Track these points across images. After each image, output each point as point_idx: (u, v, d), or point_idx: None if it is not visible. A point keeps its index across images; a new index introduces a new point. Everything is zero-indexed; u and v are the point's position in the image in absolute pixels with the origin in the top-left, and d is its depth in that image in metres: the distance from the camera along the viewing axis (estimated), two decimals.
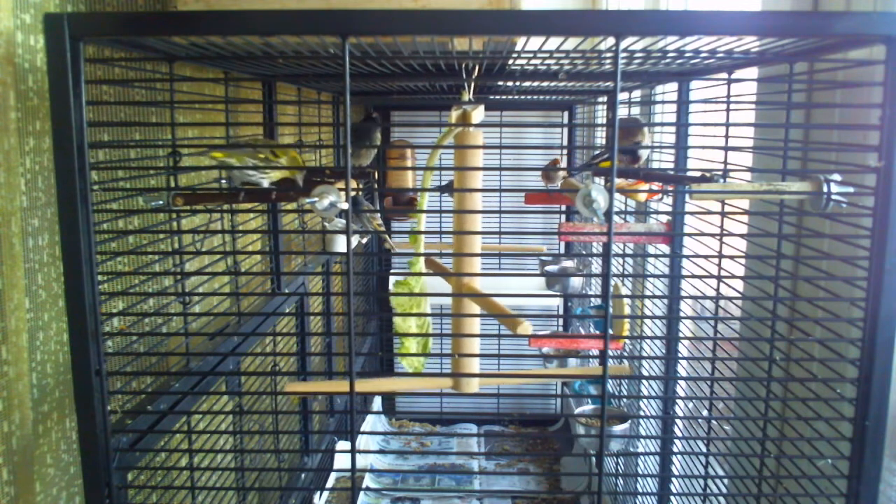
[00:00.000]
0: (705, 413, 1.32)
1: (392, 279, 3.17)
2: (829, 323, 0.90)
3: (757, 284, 1.11)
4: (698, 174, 1.01)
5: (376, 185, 2.71)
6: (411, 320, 1.15)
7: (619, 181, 1.11)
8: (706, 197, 0.98)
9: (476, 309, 1.04)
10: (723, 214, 1.11)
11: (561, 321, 3.08)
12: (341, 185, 0.81)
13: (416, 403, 3.48)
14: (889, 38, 0.74)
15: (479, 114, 1.04)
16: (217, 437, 1.43)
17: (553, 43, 1.01)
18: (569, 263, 2.33)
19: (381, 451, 3.04)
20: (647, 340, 1.96)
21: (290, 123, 1.97)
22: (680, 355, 1.59)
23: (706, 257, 1.20)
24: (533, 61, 1.24)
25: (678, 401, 1.66)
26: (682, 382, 1.60)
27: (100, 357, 0.83)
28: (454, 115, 1.02)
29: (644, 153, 1.37)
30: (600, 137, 2.81)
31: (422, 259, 1.14)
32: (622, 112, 2.00)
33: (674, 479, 1.60)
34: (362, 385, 1.06)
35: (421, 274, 1.14)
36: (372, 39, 0.97)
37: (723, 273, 1.14)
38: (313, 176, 1.11)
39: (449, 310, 1.10)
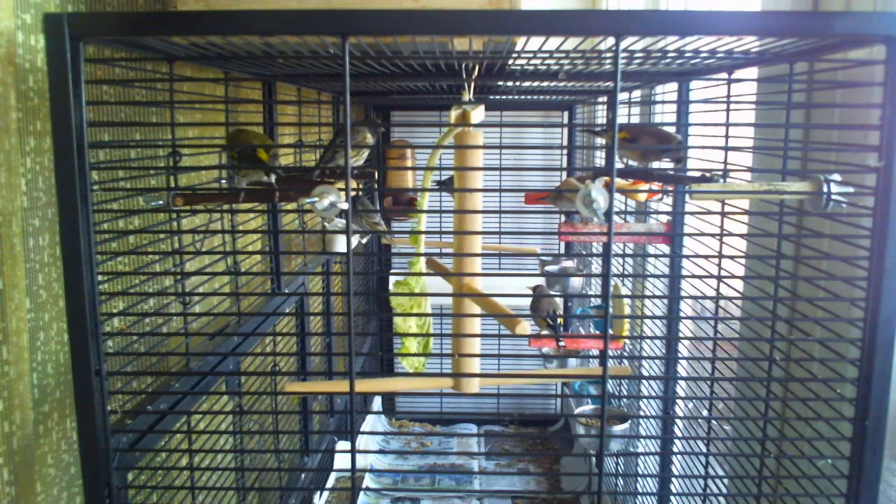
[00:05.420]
0: (705, 413, 1.32)
1: (392, 279, 3.17)
2: (829, 323, 0.90)
3: (757, 284, 1.11)
4: (698, 174, 1.02)
5: (376, 186, 2.71)
6: (411, 320, 1.15)
7: (619, 181, 1.11)
8: (706, 197, 0.98)
9: (476, 309, 1.04)
10: (723, 214, 1.11)
11: (561, 321, 3.07)
12: (341, 184, 0.81)
13: (416, 403, 3.48)
14: (889, 38, 0.74)
15: (479, 113, 1.04)
16: (217, 437, 1.43)
17: (553, 43, 1.01)
18: (569, 263, 2.33)
19: (381, 451, 3.04)
20: (647, 340, 1.96)
21: (290, 123, 1.97)
22: (680, 355, 1.59)
23: (706, 257, 1.20)
24: (533, 61, 1.24)
25: (678, 401, 1.66)
26: (682, 382, 1.60)
27: (100, 357, 0.83)
28: (454, 114, 1.02)
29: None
30: (599, 140, 2.80)
31: (422, 259, 1.14)
32: (622, 112, 2.01)
33: (674, 480, 1.60)
34: (363, 385, 1.06)
35: (421, 274, 1.14)
36: (372, 39, 0.97)
37: (723, 273, 1.14)
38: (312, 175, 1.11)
39: (449, 310, 1.10)
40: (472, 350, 1.05)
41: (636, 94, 2.02)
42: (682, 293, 1.51)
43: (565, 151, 3.18)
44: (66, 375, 1.00)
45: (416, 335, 1.14)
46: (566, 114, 3.12)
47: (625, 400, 2.04)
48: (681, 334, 1.59)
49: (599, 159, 2.77)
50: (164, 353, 1.19)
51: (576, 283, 2.18)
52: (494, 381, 1.24)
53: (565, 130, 3.18)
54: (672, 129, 1.64)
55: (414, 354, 1.15)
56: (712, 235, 1.16)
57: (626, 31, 0.74)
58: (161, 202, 1.01)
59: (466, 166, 1.02)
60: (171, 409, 1.13)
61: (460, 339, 1.05)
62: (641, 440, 1.82)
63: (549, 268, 2.30)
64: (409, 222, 3.04)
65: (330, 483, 2.60)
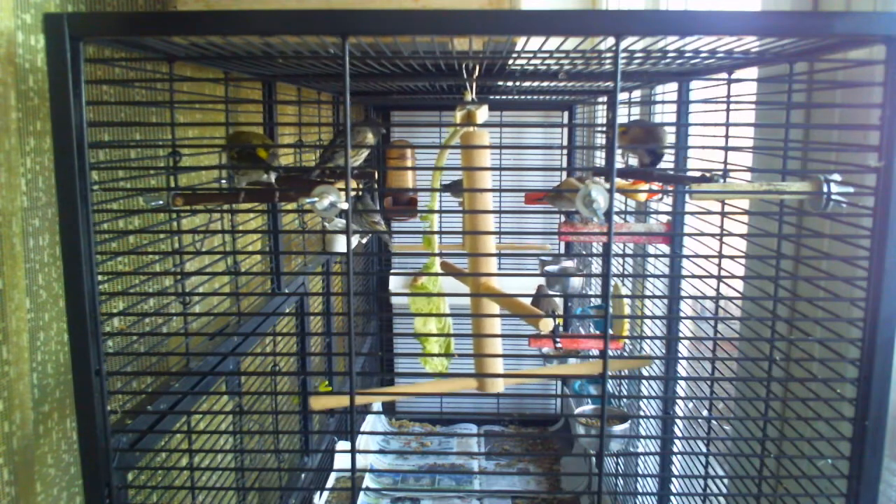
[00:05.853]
0: (705, 413, 1.32)
1: (392, 279, 3.17)
2: (829, 323, 0.90)
3: (757, 284, 1.11)
4: (698, 174, 1.02)
5: (376, 185, 2.71)
6: (431, 322, 1.15)
7: (619, 181, 1.11)
8: (706, 197, 0.98)
9: (487, 309, 1.04)
10: (723, 214, 1.11)
11: (561, 321, 3.07)
12: (341, 184, 0.81)
13: (416, 403, 3.48)
14: (889, 38, 0.74)
15: (483, 113, 1.04)
16: (217, 437, 1.43)
17: (553, 43, 1.01)
18: (569, 263, 2.33)
19: (381, 451, 3.04)
20: (647, 340, 1.96)
21: (290, 123, 1.97)
22: (680, 355, 1.59)
23: (706, 257, 1.20)
24: (533, 61, 1.24)
25: (678, 401, 1.66)
26: (682, 382, 1.60)
27: (100, 357, 0.83)
28: (459, 115, 1.02)
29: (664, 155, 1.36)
30: (600, 137, 2.81)
31: (437, 260, 1.14)
32: (622, 112, 2.01)
33: (674, 480, 1.60)
34: (383, 391, 1.06)
35: (437, 274, 1.14)
36: (372, 39, 0.97)
37: (723, 273, 1.14)
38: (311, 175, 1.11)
39: (456, 310, 1.11)
40: (491, 349, 1.05)
41: (636, 94, 2.02)
42: (682, 293, 1.51)
43: (565, 151, 3.18)
44: (66, 375, 1.00)
45: (431, 335, 1.13)
46: (566, 114, 3.12)
47: (625, 400, 2.04)
48: (681, 334, 1.59)
49: (599, 159, 2.77)
50: (164, 353, 1.19)
51: (576, 283, 2.18)
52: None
53: (565, 130, 3.18)
54: (671, 130, 1.64)
55: (437, 354, 1.14)
56: (712, 235, 1.16)
57: (626, 31, 0.74)
58: (161, 202, 1.01)
59: (473, 166, 1.02)
60: (171, 410, 1.13)
61: (478, 339, 1.05)
62: (641, 440, 1.82)
63: (549, 268, 2.30)
64: (408, 223, 3.04)
65: (330, 483, 2.60)
